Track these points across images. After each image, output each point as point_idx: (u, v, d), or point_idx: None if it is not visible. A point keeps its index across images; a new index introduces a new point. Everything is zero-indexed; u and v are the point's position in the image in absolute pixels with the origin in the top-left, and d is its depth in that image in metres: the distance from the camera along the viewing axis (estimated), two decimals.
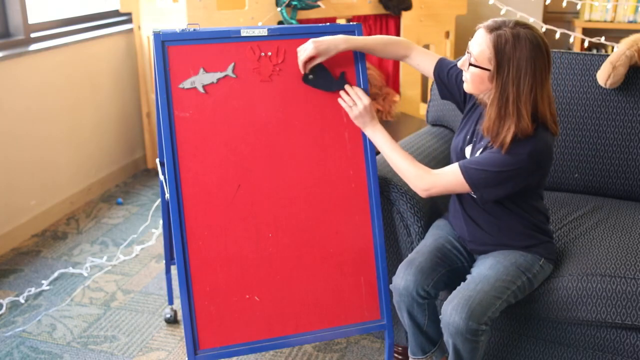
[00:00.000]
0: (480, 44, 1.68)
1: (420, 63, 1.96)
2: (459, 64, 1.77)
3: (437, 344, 1.90)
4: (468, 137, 1.85)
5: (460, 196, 1.87)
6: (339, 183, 1.92)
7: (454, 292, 1.70)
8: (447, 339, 1.70)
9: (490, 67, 1.66)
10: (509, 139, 1.66)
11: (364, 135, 1.93)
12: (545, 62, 1.66)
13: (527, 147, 1.67)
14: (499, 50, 1.64)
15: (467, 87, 1.76)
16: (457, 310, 1.64)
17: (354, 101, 1.88)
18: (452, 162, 1.85)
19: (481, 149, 1.78)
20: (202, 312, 1.83)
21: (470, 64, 1.70)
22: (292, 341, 1.91)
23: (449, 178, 1.76)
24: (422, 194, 1.81)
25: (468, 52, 1.73)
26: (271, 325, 1.89)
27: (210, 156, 1.82)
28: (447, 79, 1.92)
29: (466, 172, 1.72)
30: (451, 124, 2.52)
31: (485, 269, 1.75)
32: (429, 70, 1.95)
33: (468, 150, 1.84)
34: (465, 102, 1.92)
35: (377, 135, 1.89)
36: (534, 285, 1.78)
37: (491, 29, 1.67)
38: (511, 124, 1.65)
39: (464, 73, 1.76)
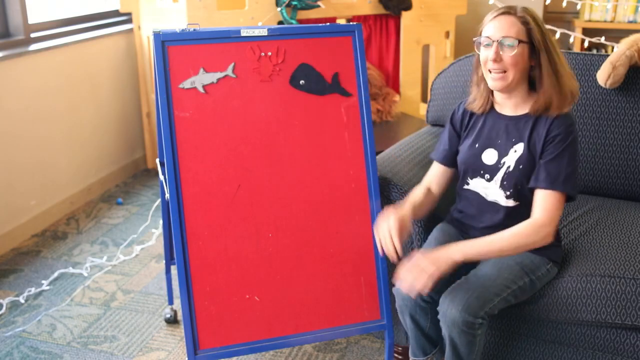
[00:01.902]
0: (511, 25, 1.70)
1: (442, 184, 1.94)
2: (491, 57, 1.71)
3: (438, 345, 1.90)
4: (479, 144, 1.83)
5: (510, 215, 1.79)
6: (339, 183, 1.92)
7: (454, 284, 1.71)
8: (444, 332, 1.71)
9: (530, 40, 1.71)
10: (568, 101, 1.73)
11: (363, 135, 1.93)
12: None
13: (568, 118, 1.75)
14: (532, 25, 1.70)
15: (504, 78, 1.72)
16: (454, 302, 1.65)
17: (415, 274, 1.67)
18: (466, 174, 1.84)
19: (521, 144, 1.77)
20: (202, 312, 1.83)
21: (510, 46, 1.69)
22: (292, 341, 1.91)
23: (551, 207, 1.71)
24: (549, 239, 1.73)
25: (494, 41, 1.70)
26: (271, 325, 1.89)
27: (210, 156, 1.82)
28: (450, 152, 1.92)
29: (564, 186, 1.70)
30: None
31: (489, 266, 1.75)
32: (447, 176, 1.94)
33: (490, 154, 1.81)
34: (461, 131, 1.91)
35: (467, 250, 1.70)
36: (537, 287, 1.77)
37: (508, 12, 1.71)
38: (563, 85, 1.72)
39: (493, 66, 1.71)
